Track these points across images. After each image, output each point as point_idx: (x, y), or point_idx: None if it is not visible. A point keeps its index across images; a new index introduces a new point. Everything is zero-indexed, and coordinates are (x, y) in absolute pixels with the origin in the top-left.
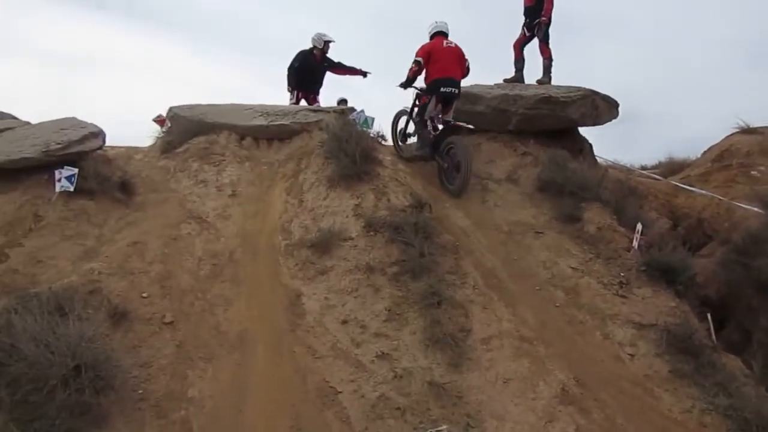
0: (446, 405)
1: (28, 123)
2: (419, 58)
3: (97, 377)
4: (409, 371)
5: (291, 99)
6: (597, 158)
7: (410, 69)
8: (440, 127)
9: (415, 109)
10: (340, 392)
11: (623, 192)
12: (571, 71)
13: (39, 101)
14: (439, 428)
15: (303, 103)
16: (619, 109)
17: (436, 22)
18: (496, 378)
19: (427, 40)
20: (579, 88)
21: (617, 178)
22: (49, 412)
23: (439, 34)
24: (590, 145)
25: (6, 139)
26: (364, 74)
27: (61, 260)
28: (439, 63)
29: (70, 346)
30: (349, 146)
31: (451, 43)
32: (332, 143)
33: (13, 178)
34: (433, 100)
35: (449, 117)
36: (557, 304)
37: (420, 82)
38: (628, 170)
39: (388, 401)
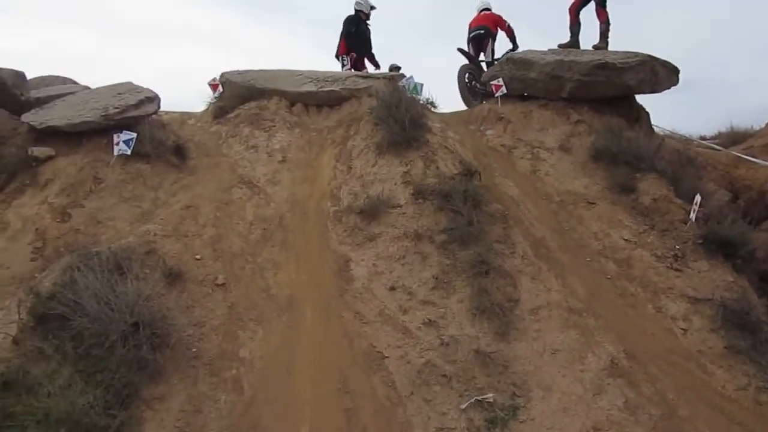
0: (492, 374)
1: (87, 88)
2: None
3: (154, 334)
4: (456, 339)
5: (346, 65)
6: (654, 127)
7: None
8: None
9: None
10: (387, 357)
11: (681, 162)
12: (629, 36)
13: (98, 67)
14: (485, 396)
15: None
16: (680, 75)
17: (482, 2)
18: (543, 348)
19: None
20: (637, 54)
21: (675, 148)
22: (110, 366)
23: (484, 11)
24: (647, 113)
25: (68, 103)
26: (377, 66)
27: (119, 221)
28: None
29: (129, 303)
30: (398, 112)
31: (487, 11)
32: (381, 109)
33: (75, 141)
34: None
35: (483, 58)
36: (608, 276)
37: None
38: (686, 140)
39: (434, 368)
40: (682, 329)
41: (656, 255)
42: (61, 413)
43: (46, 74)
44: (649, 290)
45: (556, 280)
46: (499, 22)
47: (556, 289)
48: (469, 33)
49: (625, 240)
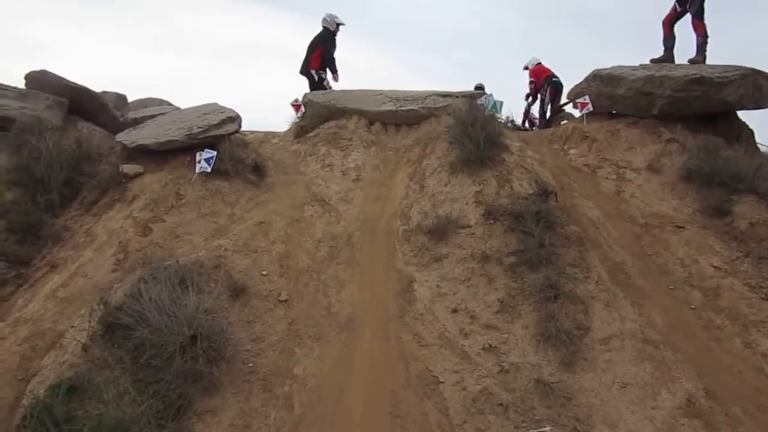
0: (553, 405)
1: (177, 108)
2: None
3: (211, 348)
4: (517, 366)
5: (325, 79)
6: (759, 146)
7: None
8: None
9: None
10: (442, 382)
11: None
12: (731, 50)
13: (198, 88)
14: (542, 429)
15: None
16: None
17: (533, 57)
18: (612, 381)
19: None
20: (737, 67)
21: None
22: (167, 377)
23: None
24: (751, 130)
25: (158, 123)
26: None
27: (195, 236)
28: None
29: (188, 316)
30: (473, 131)
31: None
32: (457, 128)
33: (161, 159)
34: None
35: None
36: (692, 306)
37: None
38: None
39: (490, 396)
40: None
41: (749, 284)
42: (112, 420)
43: (146, 97)
44: (738, 323)
45: (632, 308)
46: None
47: (631, 318)
48: (550, 78)
49: (715, 267)
